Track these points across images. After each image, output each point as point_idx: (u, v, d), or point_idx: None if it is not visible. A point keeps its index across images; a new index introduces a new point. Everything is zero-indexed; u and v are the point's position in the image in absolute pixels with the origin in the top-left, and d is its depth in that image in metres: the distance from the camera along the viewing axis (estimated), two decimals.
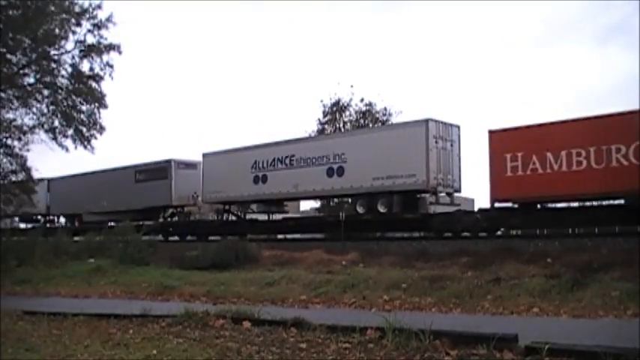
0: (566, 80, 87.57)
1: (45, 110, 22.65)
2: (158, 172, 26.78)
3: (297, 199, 24.80)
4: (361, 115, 30.66)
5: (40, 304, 12.12)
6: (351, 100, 30.66)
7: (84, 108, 22.84)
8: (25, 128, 22.50)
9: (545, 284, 10.21)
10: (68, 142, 23.12)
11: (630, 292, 9.03)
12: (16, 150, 22.47)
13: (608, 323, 7.88)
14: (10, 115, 22.57)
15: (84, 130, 22.98)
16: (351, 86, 36.25)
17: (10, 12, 20.45)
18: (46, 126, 22.69)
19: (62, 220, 34.67)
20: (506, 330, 6.19)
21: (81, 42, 21.94)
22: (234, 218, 24.83)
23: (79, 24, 21.68)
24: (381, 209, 19.16)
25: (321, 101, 31.09)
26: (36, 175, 23.89)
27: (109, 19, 21.77)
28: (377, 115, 30.41)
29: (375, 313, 9.11)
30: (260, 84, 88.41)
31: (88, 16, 21.67)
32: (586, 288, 9.81)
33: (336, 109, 30.76)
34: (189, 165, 26.79)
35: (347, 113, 30.92)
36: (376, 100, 31.57)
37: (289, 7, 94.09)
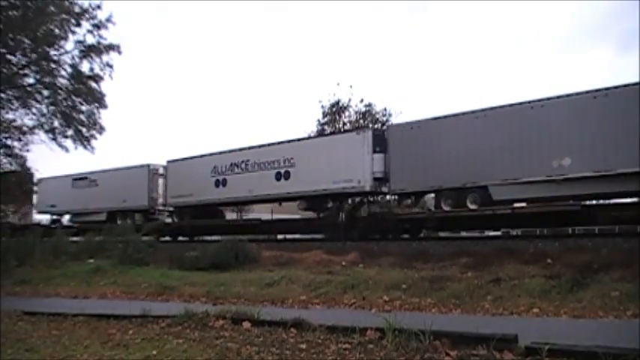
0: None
1: (45, 111, 22.71)
2: None
3: None
4: (361, 115, 30.73)
5: (40, 304, 12.10)
6: (350, 100, 30.74)
7: (84, 108, 22.91)
8: (24, 129, 22.60)
9: (545, 284, 10.21)
10: (68, 143, 23.22)
11: (630, 293, 9.04)
12: (16, 150, 22.56)
13: (608, 324, 7.89)
14: (10, 116, 22.63)
15: (84, 130, 23.06)
16: (350, 87, 36.42)
17: (10, 12, 20.45)
18: (45, 126, 22.76)
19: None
20: (507, 330, 6.19)
21: (81, 42, 22.02)
22: None
23: (78, 24, 21.75)
24: None
25: (320, 102, 31.17)
26: (37, 175, 23.83)
27: (108, 19, 21.87)
28: (377, 116, 30.48)
29: (375, 313, 9.13)
30: (259, 84, 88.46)
31: (87, 16, 21.76)
32: (586, 288, 9.81)
33: (336, 109, 30.81)
34: None
35: (346, 114, 30.99)
36: (376, 100, 31.69)
37: (289, 7, 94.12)
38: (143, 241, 20.40)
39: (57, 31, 21.43)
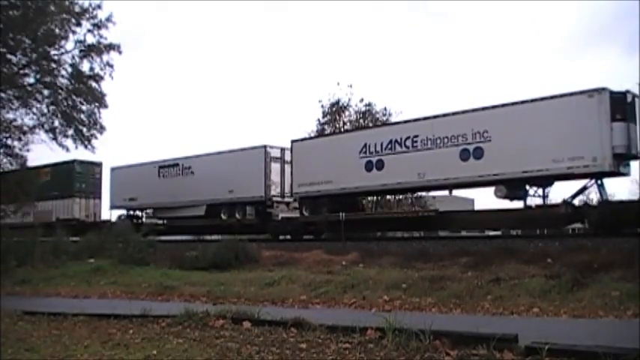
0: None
1: (45, 110, 22.76)
2: None
3: None
4: (361, 115, 30.75)
5: (40, 304, 12.09)
6: (350, 100, 30.75)
7: (84, 108, 22.94)
8: (25, 128, 22.65)
9: (545, 284, 10.20)
10: (68, 142, 23.26)
11: (630, 293, 9.03)
12: (16, 150, 22.59)
13: (608, 323, 7.88)
14: (11, 115, 22.69)
15: (84, 129, 23.08)
16: (350, 86, 36.46)
17: (10, 12, 20.48)
18: (46, 126, 22.81)
19: None
20: (507, 330, 6.18)
21: (81, 42, 22.09)
22: None
23: (79, 24, 21.80)
24: None
25: (320, 101, 31.19)
26: None
27: (108, 19, 21.90)
28: (377, 115, 30.49)
29: (375, 313, 9.11)
30: (259, 84, 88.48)
31: (88, 16, 21.80)
32: (586, 288, 9.81)
33: (336, 109, 30.83)
34: None
35: (347, 113, 31.02)
36: (376, 100, 31.71)
37: (289, 7, 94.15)
38: (143, 241, 20.41)
39: (57, 30, 21.47)
